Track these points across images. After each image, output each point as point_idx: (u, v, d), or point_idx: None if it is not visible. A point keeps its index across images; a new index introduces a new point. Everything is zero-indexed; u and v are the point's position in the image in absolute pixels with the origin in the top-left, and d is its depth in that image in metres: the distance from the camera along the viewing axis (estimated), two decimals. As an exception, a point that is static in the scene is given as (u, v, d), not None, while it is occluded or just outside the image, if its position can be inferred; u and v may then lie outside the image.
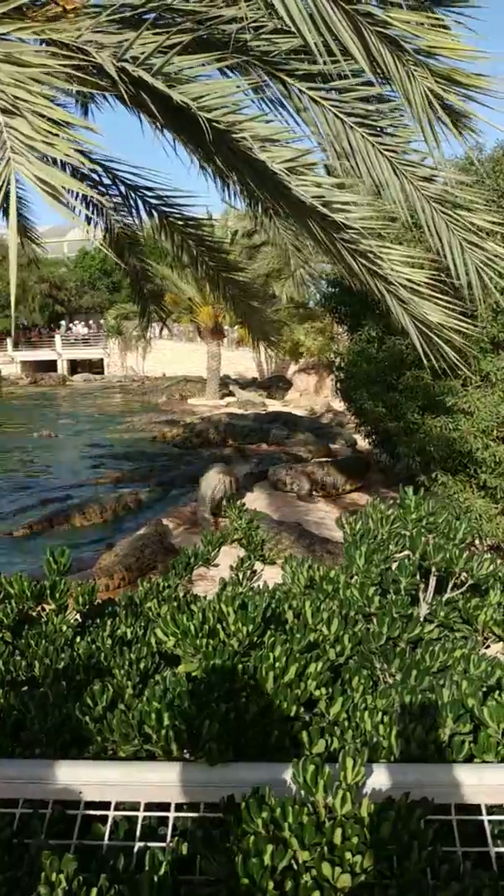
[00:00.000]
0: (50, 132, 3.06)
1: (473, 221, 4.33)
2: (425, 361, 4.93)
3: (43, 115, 3.13)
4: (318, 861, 1.23)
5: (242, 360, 37.58)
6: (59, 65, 3.58)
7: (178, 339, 42.13)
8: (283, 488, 14.46)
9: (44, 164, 2.97)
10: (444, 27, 4.07)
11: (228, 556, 4.19)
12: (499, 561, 2.75)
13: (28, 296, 46.70)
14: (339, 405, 17.17)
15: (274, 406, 28.90)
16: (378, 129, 4.28)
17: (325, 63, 3.86)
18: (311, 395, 30.06)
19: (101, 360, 46.59)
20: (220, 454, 18.40)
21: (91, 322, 49.38)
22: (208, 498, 13.00)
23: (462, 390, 8.88)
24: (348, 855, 1.25)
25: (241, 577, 3.90)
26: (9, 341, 47.56)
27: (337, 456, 17.72)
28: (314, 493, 14.26)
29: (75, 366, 47.39)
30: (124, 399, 35.87)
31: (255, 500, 13.51)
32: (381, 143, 4.28)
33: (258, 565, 4.25)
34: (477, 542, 9.24)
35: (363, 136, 4.25)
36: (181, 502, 13.91)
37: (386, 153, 4.29)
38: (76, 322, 50.16)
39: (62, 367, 46.65)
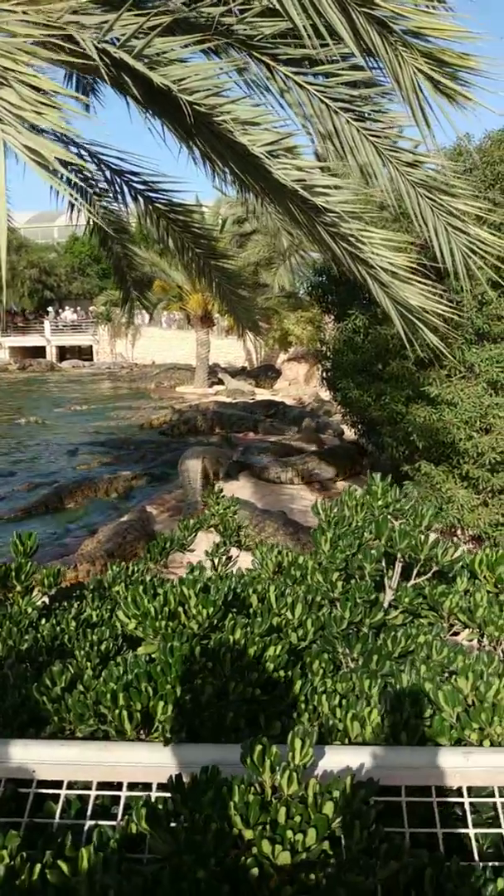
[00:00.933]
0: (39, 102, 3.03)
1: (458, 207, 4.33)
2: (408, 347, 4.94)
3: (31, 86, 3.09)
4: (259, 839, 1.24)
5: (231, 349, 37.52)
6: (44, 35, 3.55)
7: (168, 326, 42.00)
8: (269, 477, 14.48)
9: (33, 134, 2.95)
10: (439, 2, 4.04)
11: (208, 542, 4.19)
12: (468, 547, 2.77)
13: (17, 281, 46.40)
14: (327, 395, 17.17)
15: (263, 395, 28.88)
16: (362, 113, 4.26)
17: (313, 46, 3.84)
18: (299, 385, 30.05)
19: (91, 346, 46.39)
20: (207, 442, 18.38)
21: (79, 308, 49.15)
22: (194, 481, 13.03)
23: (446, 381, 8.90)
24: (289, 833, 1.25)
25: (216, 562, 3.90)
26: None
27: (324, 445, 17.74)
28: (299, 481, 14.29)
29: (64, 352, 47.19)
30: (113, 386, 35.75)
31: (241, 488, 13.52)
32: (365, 129, 4.26)
33: (234, 551, 4.26)
34: (458, 532, 9.30)
35: (348, 121, 4.24)
36: (165, 489, 13.90)
37: (371, 138, 4.28)
38: (65, 308, 49.91)
39: (51, 354, 46.44)
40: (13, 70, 3.02)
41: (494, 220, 6.59)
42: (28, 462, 18.17)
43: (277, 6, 3.83)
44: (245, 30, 4.26)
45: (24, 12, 4.06)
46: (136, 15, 3.90)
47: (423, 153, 4.17)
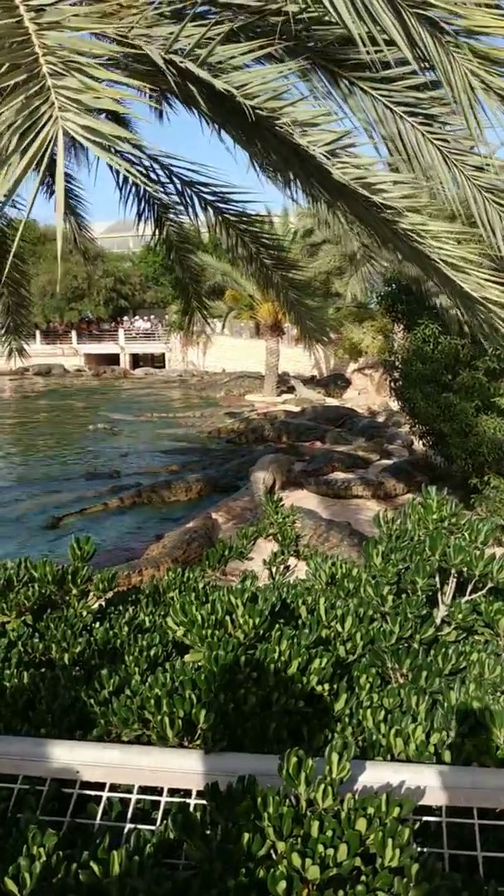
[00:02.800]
0: (95, 88, 3.09)
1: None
2: (486, 344, 4.83)
3: (89, 74, 3.17)
4: (289, 851, 1.23)
5: (301, 358, 37.45)
6: (104, 27, 3.63)
7: (238, 335, 42.26)
8: (335, 487, 14.38)
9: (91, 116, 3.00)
10: (489, 5, 3.97)
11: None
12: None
13: (93, 290, 47.55)
14: (396, 405, 16.97)
15: (332, 404, 28.75)
16: (427, 116, 4.21)
17: (367, 53, 3.82)
18: (369, 395, 29.79)
19: (163, 354, 47.10)
20: (274, 451, 18.40)
21: (153, 317, 49.99)
22: (262, 490, 13.08)
23: (518, 392, 8.70)
24: (321, 848, 1.24)
25: (273, 571, 3.90)
26: (74, 334, 48.59)
27: (392, 457, 17.53)
28: (365, 493, 14.14)
29: (137, 360, 48.06)
30: (183, 394, 36.21)
31: (306, 497, 13.48)
32: (430, 132, 4.21)
33: (292, 560, 4.25)
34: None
35: (413, 126, 4.19)
36: (232, 497, 13.97)
37: (436, 141, 4.22)
38: (137, 317, 50.87)
39: (124, 361, 47.40)
40: (74, 62, 3.08)
41: None
42: (100, 465, 18.53)
43: (334, 15, 3.83)
44: (310, 36, 4.27)
45: (99, 26, 4.19)
46: (197, 25, 3.96)
47: (492, 157, 4.10)
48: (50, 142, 2.66)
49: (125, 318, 50.02)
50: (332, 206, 5.41)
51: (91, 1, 4.66)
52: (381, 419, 24.60)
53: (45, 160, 2.69)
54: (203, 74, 3.73)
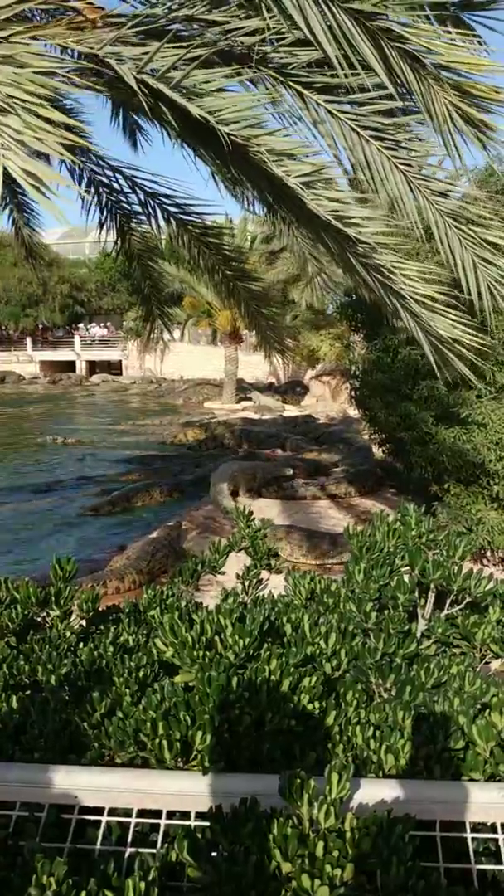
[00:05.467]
0: (41, 128, 3.12)
1: (488, 238, 4.35)
2: (438, 374, 4.96)
3: (36, 114, 3.19)
4: (299, 873, 1.27)
5: (259, 365, 37.61)
6: (74, 67, 3.66)
7: (196, 342, 42.24)
8: (296, 494, 14.51)
9: (31, 158, 3.03)
10: (475, 35, 4.08)
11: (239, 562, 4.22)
12: (497, 570, 2.77)
13: (48, 296, 47.09)
14: (355, 412, 17.16)
15: (291, 411, 28.92)
16: (394, 142, 4.31)
17: (345, 76, 3.90)
18: (327, 402, 30.03)
19: (120, 361, 46.83)
20: (237, 458, 18.44)
21: (109, 324, 49.69)
22: (223, 498, 13.16)
23: (476, 402, 8.87)
24: (328, 868, 1.28)
25: (246, 585, 3.94)
26: (29, 341, 48.03)
27: (351, 463, 17.71)
28: (325, 498, 14.31)
29: (93, 366, 47.70)
30: (142, 401, 36.04)
31: (267, 505, 13.54)
32: (396, 157, 4.31)
33: (264, 573, 4.29)
34: (488, 553, 9.23)
35: (379, 150, 4.29)
36: (194, 505, 13.97)
37: (401, 167, 4.32)
38: (93, 324, 50.52)
39: (81, 368, 47.00)
40: (17, 98, 3.11)
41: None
42: (57, 475, 18.34)
43: (309, 37, 3.91)
44: (280, 58, 4.34)
45: (65, 41, 4.19)
46: (175, 46, 4.00)
47: (455, 182, 4.21)
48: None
49: (81, 324, 49.62)
50: (294, 228, 5.50)
51: (55, 17, 4.68)
52: (339, 426, 24.81)
53: None
54: (177, 98, 3.76)
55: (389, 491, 14.55)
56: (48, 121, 3.14)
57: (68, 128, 3.24)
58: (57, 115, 3.20)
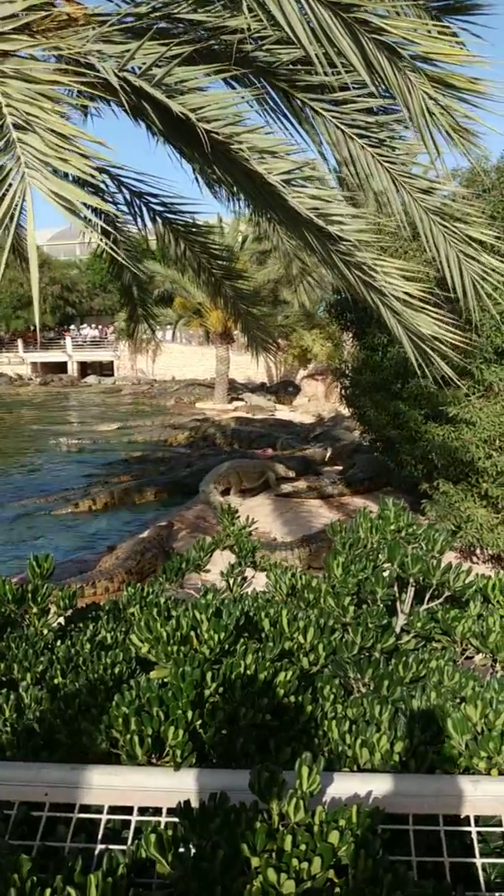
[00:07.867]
0: (62, 147, 3.11)
1: (471, 234, 4.35)
2: (418, 372, 4.95)
3: (55, 131, 3.18)
4: (265, 867, 1.26)
5: (251, 365, 37.56)
6: (70, 81, 3.65)
7: (188, 342, 42.21)
8: (288, 493, 14.51)
9: (57, 178, 3.03)
10: (452, 34, 4.09)
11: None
12: (486, 567, 2.77)
13: (40, 297, 46.96)
14: (346, 411, 17.17)
15: (282, 411, 28.94)
16: (377, 140, 4.31)
17: (326, 74, 3.90)
18: (319, 401, 30.06)
19: (112, 362, 46.75)
20: (229, 458, 18.43)
21: (100, 325, 49.62)
22: (216, 491, 13.20)
23: (465, 400, 8.88)
24: (295, 861, 1.27)
25: (231, 583, 3.92)
26: (20, 342, 47.92)
27: (342, 462, 17.72)
28: (316, 497, 14.30)
29: (85, 367, 47.62)
30: (133, 402, 35.99)
31: (259, 505, 13.54)
32: (380, 155, 4.30)
33: (249, 571, 4.27)
34: (477, 551, 9.24)
35: (363, 147, 4.28)
36: (185, 506, 13.95)
37: (385, 164, 4.32)
38: (85, 325, 50.44)
39: (72, 369, 46.92)
40: (38, 117, 3.10)
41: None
42: (43, 477, 18.31)
43: (291, 35, 3.90)
44: (264, 57, 4.33)
45: (50, 42, 4.17)
46: (159, 44, 3.99)
47: (438, 180, 4.21)
48: (20, 196, 2.69)
49: (73, 325, 49.52)
50: (279, 227, 5.50)
51: (44, 17, 4.66)
52: (331, 425, 24.84)
53: None
54: (158, 95, 3.75)
55: (382, 490, 14.56)
56: (65, 137, 3.14)
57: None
58: (76, 132, 3.19)
